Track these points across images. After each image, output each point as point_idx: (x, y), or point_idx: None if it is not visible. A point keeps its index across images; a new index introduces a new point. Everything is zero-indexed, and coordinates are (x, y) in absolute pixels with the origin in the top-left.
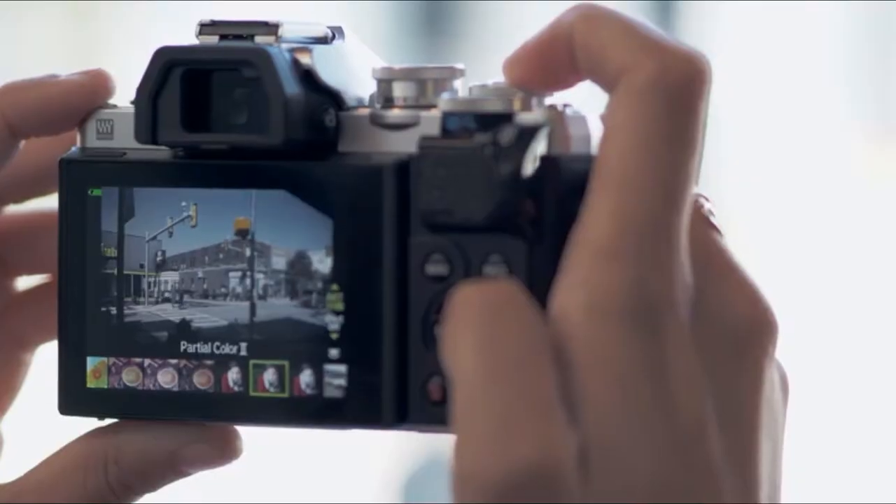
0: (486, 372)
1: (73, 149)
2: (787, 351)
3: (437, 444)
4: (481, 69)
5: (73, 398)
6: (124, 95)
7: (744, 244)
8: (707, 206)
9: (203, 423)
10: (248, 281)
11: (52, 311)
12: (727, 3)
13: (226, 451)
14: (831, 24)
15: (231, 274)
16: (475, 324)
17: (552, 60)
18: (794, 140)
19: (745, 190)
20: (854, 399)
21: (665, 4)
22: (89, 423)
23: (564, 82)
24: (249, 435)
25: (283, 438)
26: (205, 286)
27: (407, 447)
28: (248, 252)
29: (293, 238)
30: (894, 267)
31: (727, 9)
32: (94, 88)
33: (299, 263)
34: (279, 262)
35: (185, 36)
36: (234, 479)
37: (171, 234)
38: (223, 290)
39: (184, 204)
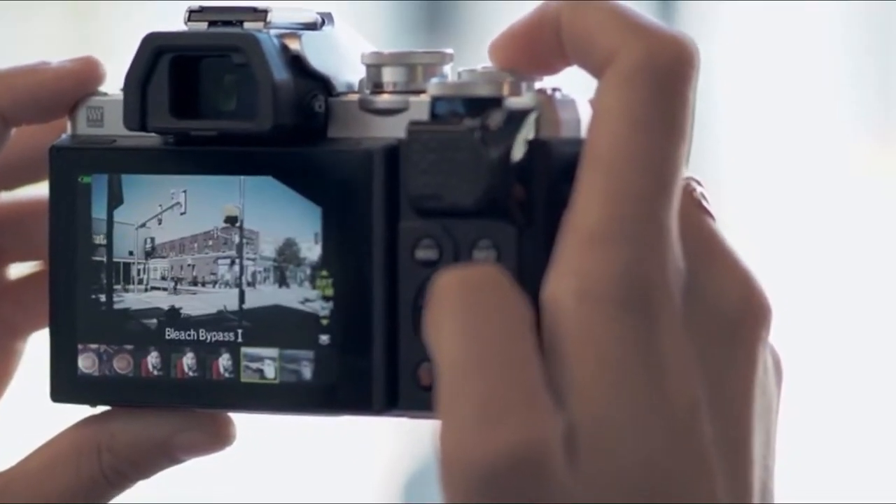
0: (468, 357)
1: (64, 136)
2: (788, 351)
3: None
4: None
5: (65, 385)
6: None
7: (744, 243)
8: (700, 190)
9: (195, 410)
10: (237, 268)
11: (44, 298)
12: (727, 2)
13: (219, 437)
14: (832, 23)
15: (220, 261)
16: (456, 309)
17: (538, 45)
18: (794, 139)
19: (746, 189)
20: (856, 399)
21: (665, 4)
22: (81, 412)
23: (550, 67)
24: (249, 435)
25: (282, 438)
26: (194, 273)
27: (407, 447)
28: (237, 239)
29: (282, 225)
30: (894, 265)
31: (727, 9)
32: (85, 75)
33: (288, 250)
34: (268, 249)
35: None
36: (233, 479)
37: (160, 222)
38: (212, 277)
39: (173, 191)
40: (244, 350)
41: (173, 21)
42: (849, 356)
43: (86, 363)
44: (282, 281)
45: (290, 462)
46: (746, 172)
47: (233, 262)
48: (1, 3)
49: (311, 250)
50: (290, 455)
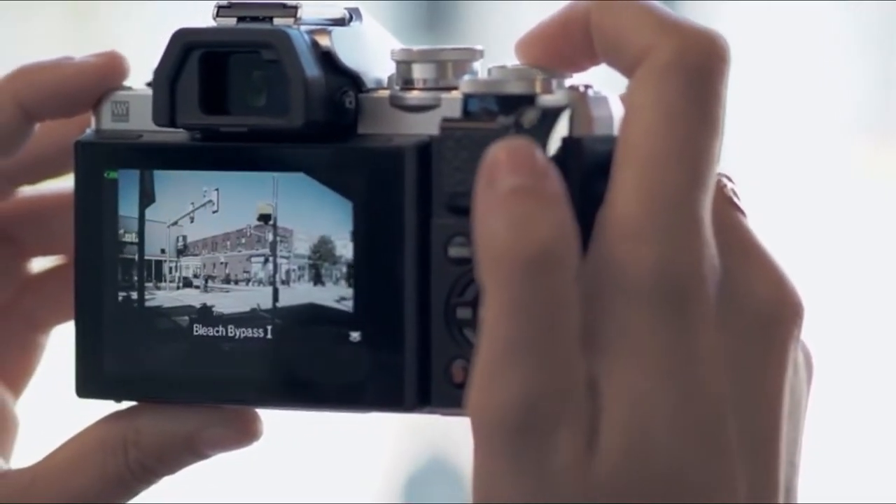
0: (512, 337)
1: (88, 131)
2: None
3: (439, 445)
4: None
5: (91, 381)
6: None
7: None
8: (731, 186)
9: (221, 406)
10: (270, 266)
11: (67, 292)
12: (730, 3)
13: (245, 433)
14: (832, 24)
15: (253, 259)
16: (511, 282)
17: (567, 44)
18: (795, 139)
19: (745, 188)
20: (852, 400)
21: (667, 4)
22: (107, 408)
23: (578, 66)
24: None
25: (283, 437)
26: (227, 271)
27: (408, 447)
28: (270, 237)
29: (315, 222)
30: (894, 266)
31: (727, 9)
32: (109, 70)
33: (322, 247)
34: (301, 247)
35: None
36: (234, 478)
37: (192, 220)
38: (245, 275)
39: (205, 189)
40: (275, 347)
41: (173, 22)
42: (847, 357)
43: (112, 359)
44: (317, 279)
45: (291, 461)
46: (746, 172)
47: (266, 260)
48: (1, 3)
49: (346, 248)
50: (290, 454)
